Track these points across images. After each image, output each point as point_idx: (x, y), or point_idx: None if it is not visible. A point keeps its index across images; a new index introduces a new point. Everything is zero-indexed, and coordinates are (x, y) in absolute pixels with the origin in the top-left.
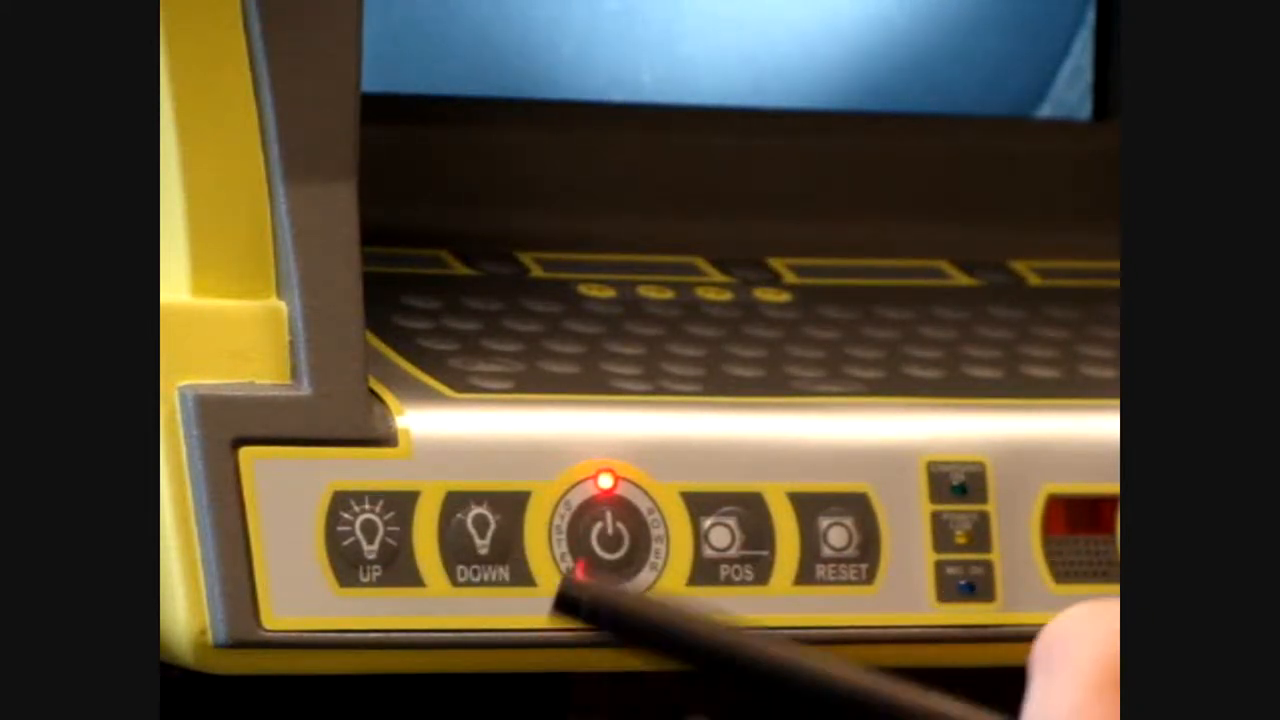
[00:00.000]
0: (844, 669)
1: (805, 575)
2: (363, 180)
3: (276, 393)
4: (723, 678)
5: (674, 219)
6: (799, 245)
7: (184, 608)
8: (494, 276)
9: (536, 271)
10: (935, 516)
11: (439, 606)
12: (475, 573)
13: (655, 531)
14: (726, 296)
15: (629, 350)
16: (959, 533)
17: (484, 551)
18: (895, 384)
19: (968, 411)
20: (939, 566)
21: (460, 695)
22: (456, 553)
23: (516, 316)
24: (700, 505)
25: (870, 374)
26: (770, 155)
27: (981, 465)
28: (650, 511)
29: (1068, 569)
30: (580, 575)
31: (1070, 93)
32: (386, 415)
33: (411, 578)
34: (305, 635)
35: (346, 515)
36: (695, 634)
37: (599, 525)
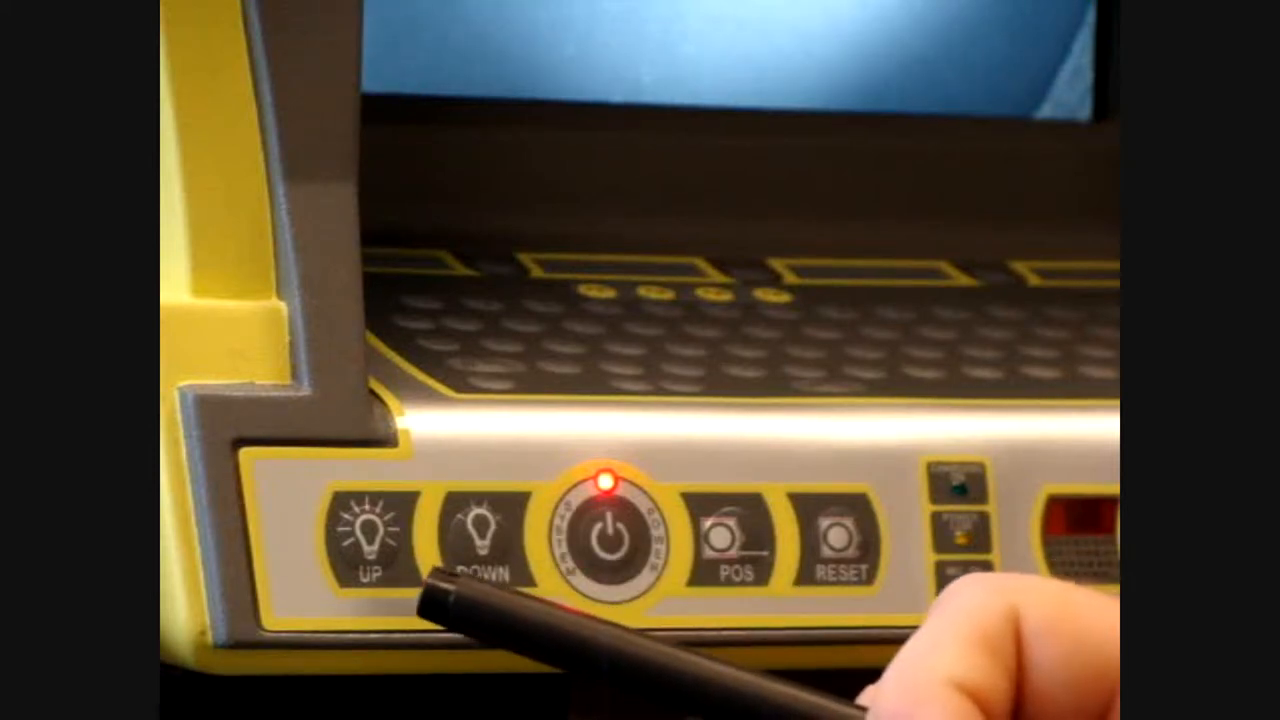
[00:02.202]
0: (718, 668)
1: (805, 576)
2: (363, 180)
3: (276, 393)
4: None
5: (674, 219)
6: (799, 245)
7: (184, 608)
8: (494, 276)
9: (536, 271)
10: (935, 517)
11: None
12: (475, 573)
13: (655, 532)
14: (726, 296)
15: (629, 350)
16: (959, 533)
17: (484, 552)
18: (895, 384)
19: (968, 412)
20: (939, 567)
21: (460, 695)
22: (456, 553)
23: (516, 317)
24: (700, 505)
25: (870, 374)
26: (770, 155)
27: (981, 465)
28: (650, 512)
29: (1068, 569)
30: (443, 577)
31: (1070, 93)
32: (386, 415)
33: (412, 578)
34: (305, 635)
35: (346, 516)
36: (566, 633)
37: (599, 526)
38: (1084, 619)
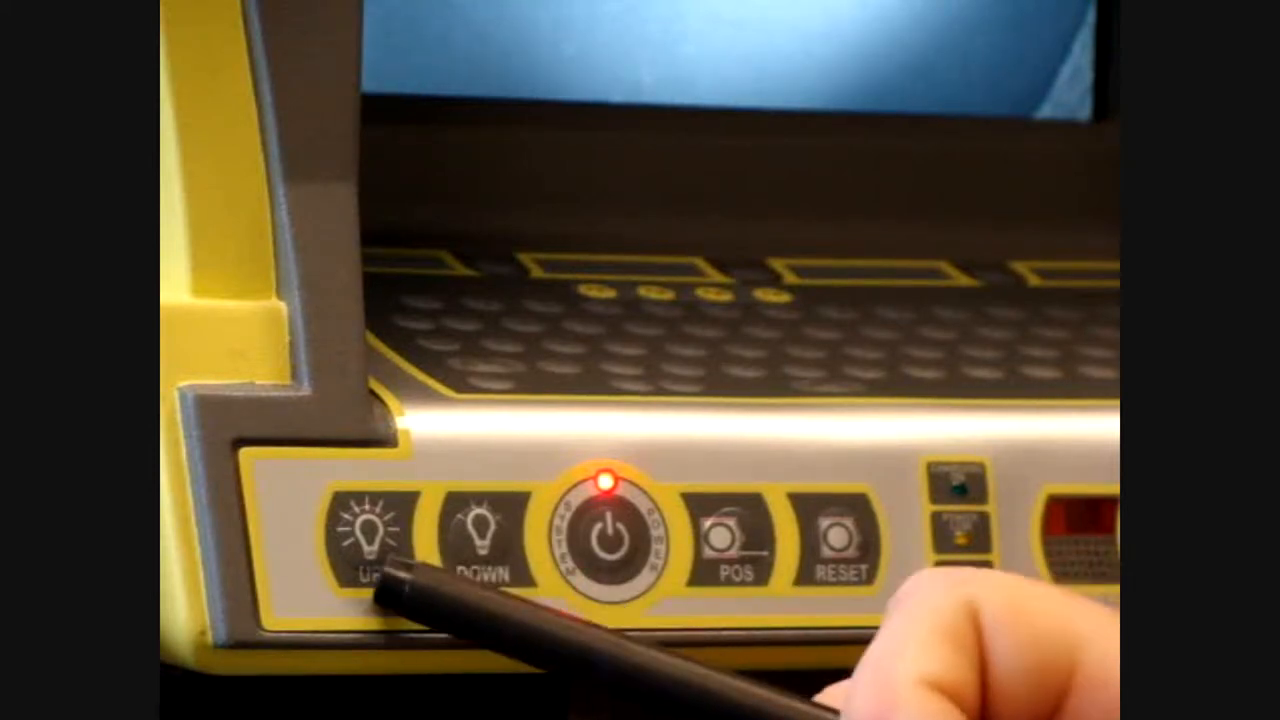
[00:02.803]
0: (677, 663)
1: (805, 576)
2: (363, 180)
3: (276, 393)
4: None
5: (674, 219)
6: (799, 245)
7: (184, 608)
8: (494, 276)
9: (536, 272)
10: (935, 517)
11: None
12: (475, 573)
13: (655, 532)
14: (726, 297)
15: (629, 350)
16: (959, 533)
17: (484, 552)
18: (895, 384)
19: (968, 412)
20: (939, 567)
21: (460, 695)
22: (457, 553)
23: (516, 317)
24: (700, 505)
25: (870, 374)
26: (770, 155)
27: (981, 466)
28: (650, 512)
29: (1067, 569)
30: (400, 565)
31: (1070, 93)
32: (386, 415)
33: None
34: (305, 635)
35: (346, 516)
36: (522, 623)
37: (599, 526)
38: (1038, 609)
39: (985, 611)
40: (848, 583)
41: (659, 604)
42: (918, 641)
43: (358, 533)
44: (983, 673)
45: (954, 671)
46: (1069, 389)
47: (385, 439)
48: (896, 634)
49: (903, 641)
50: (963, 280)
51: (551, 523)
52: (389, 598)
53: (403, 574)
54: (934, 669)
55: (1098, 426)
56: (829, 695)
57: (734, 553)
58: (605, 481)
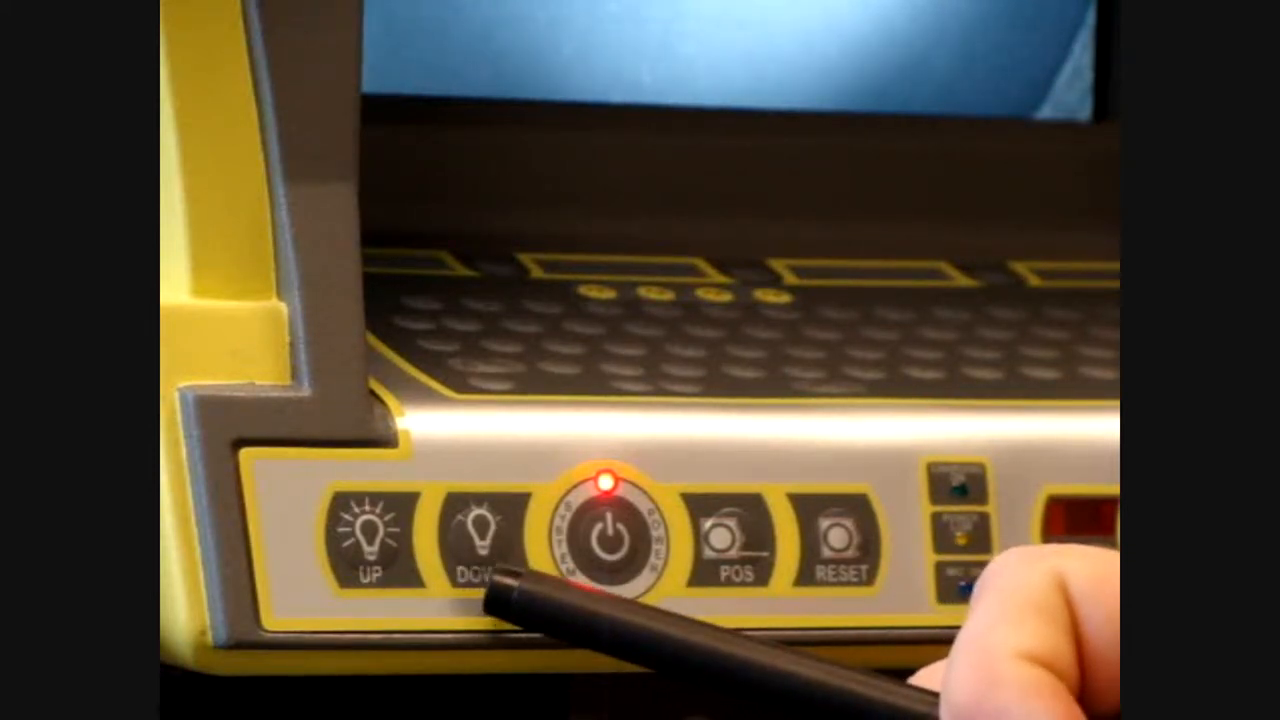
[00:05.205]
0: (786, 657)
1: (805, 576)
2: (363, 180)
3: (276, 393)
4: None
5: (674, 219)
6: (799, 245)
7: (184, 608)
8: (494, 277)
9: (536, 272)
10: (935, 517)
11: (439, 607)
12: (475, 574)
13: (655, 533)
14: (726, 297)
15: (629, 351)
16: (959, 534)
17: (484, 552)
18: (895, 385)
19: (968, 412)
20: (939, 568)
21: (460, 695)
22: (457, 554)
23: (516, 317)
24: (700, 506)
25: (870, 375)
26: (770, 155)
27: (982, 466)
28: (650, 512)
29: None
30: (507, 573)
31: (1070, 93)
32: (386, 416)
33: (412, 579)
34: (305, 636)
35: (347, 516)
36: (632, 626)
37: (599, 526)
38: None
39: (1072, 582)
40: (848, 583)
41: (659, 604)
42: (1011, 617)
43: (358, 533)
44: (1076, 643)
45: (1050, 643)
46: (1069, 389)
47: (385, 439)
48: (989, 612)
49: (997, 618)
50: (963, 280)
51: (552, 523)
52: (497, 606)
53: (510, 581)
54: (1030, 642)
55: (1098, 426)
56: (924, 677)
57: (734, 553)
58: (605, 482)
